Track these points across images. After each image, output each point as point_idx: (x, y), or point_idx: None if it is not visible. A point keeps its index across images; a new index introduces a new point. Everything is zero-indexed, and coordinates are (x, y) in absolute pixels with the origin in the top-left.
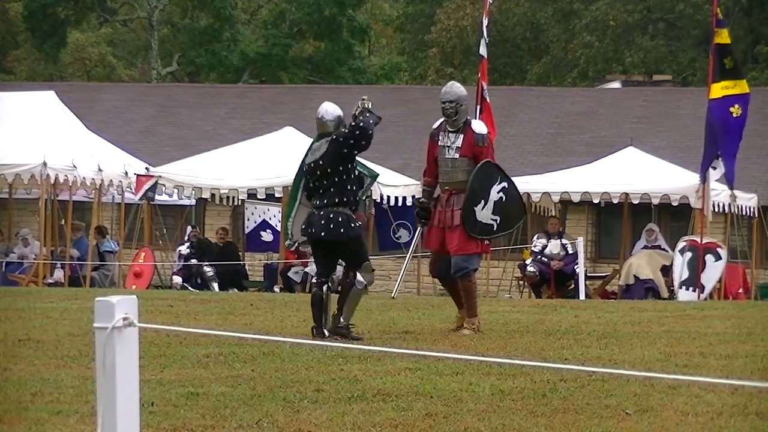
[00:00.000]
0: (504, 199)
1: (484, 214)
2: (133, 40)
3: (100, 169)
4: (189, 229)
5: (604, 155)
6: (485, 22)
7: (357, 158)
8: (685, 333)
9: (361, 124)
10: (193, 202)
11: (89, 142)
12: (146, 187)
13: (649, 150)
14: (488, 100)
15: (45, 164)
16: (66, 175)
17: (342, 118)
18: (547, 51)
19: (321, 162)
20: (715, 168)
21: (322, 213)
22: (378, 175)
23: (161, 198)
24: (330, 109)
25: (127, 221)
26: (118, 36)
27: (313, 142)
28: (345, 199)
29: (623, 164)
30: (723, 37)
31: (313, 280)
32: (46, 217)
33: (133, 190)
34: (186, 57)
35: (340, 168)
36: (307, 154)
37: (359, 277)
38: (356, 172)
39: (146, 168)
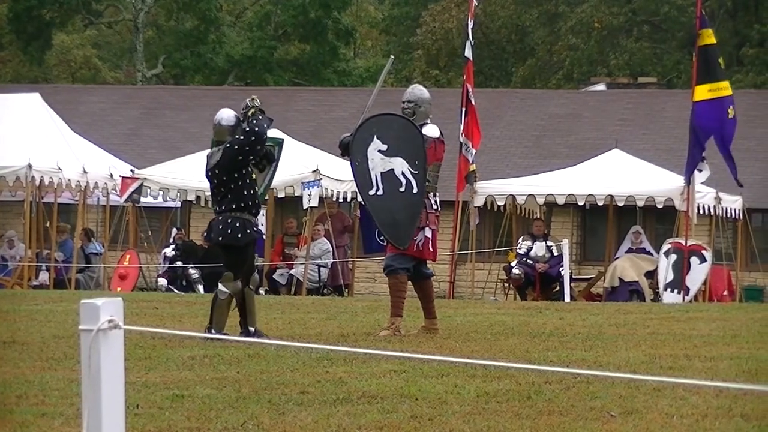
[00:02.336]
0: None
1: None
2: (118, 42)
3: (85, 172)
4: (174, 231)
5: (589, 157)
6: (470, 24)
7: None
8: (669, 335)
9: (256, 129)
10: (179, 204)
11: (74, 145)
12: (131, 189)
13: (634, 152)
14: (473, 102)
15: (30, 166)
16: (51, 178)
17: (239, 123)
18: (532, 53)
19: (216, 170)
20: (701, 171)
21: (220, 218)
22: (282, 140)
23: (146, 200)
24: (226, 116)
25: (112, 223)
26: (103, 38)
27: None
28: (243, 204)
29: (608, 166)
30: (710, 37)
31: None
32: (31, 219)
33: (118, 192)
34: (171, 59)
35: (236, 174)
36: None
37: (218, 288)
38: (251, 178)
39: (131, 170)
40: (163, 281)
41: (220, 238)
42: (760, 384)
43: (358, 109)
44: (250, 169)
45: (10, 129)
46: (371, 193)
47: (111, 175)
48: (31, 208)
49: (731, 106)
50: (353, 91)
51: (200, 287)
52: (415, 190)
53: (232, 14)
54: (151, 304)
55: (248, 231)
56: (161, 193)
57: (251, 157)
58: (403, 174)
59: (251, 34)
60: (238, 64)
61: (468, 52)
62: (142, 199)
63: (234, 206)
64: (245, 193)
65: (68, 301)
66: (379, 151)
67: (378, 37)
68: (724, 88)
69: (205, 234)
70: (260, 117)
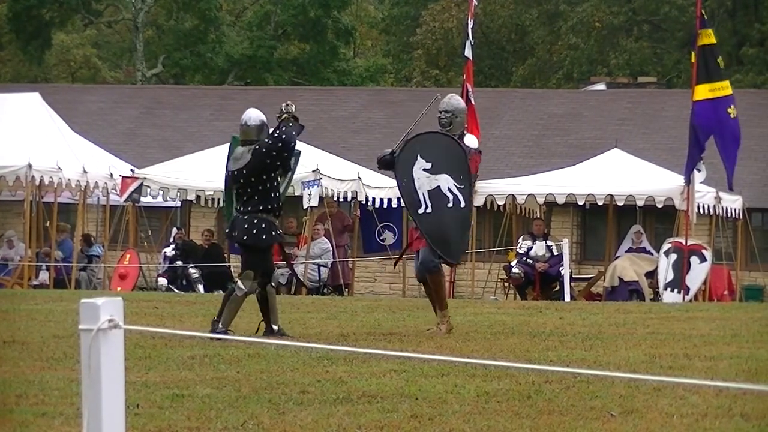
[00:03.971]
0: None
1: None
2: (118, 41)
3: (85, 171)
4: (174, 230)
5: (589, 157)
6: (470, 24)
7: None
8: (669, 335)
9: (284, 136)
10: (178, 203)
11: (74, 144)
12: (131, 188)
13: (634, 152)
14: (473, 102)
15: (30, 166)
16: (51, 177)
17: (265, 124)
18: (532, 53)
19: (244, 171)
20: (699, 170)
21: (245, 218)
22: (300, 152)
23: (146, 200)
24: (253, 116)
25: (112, 223)
26: (102, 38)
27: (231, 147)
28: (269, 206)
29: (608, 166)
30: (710, 37)
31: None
32: (31, 219)
33: (118, 192)
34: (171, 59)
35: (263, 176)
36: (229, 160)
37: (237, 284)
38: (278, 181)
39: (131, 170)
40: (163, 281)
41: (245, 238)
42: (759, 383)
43: (358, 108)
44: (277, 172)
45: (9, 129)
46: (420, 211)
47: (111, 175)
48: (31, 208)
49: (732, 106)
50: (353, 90)
51: (200, 287)
52: (462, 205)
53: (231, 14)
54: (151, 303)
55: (272, 233)
56: (161, 192)
57: (278, 162)
58: (449, 190)
59: (251, 33)
60: (237, 63)
61: (468, 52)
62: (142, 199)
63: (260, 207)
64: (271, 195)
65: (68, 301)
66: (424, 169)
67: (378, 36)
68: (724, 88)
69: (227, 231)
70: (291, 124)
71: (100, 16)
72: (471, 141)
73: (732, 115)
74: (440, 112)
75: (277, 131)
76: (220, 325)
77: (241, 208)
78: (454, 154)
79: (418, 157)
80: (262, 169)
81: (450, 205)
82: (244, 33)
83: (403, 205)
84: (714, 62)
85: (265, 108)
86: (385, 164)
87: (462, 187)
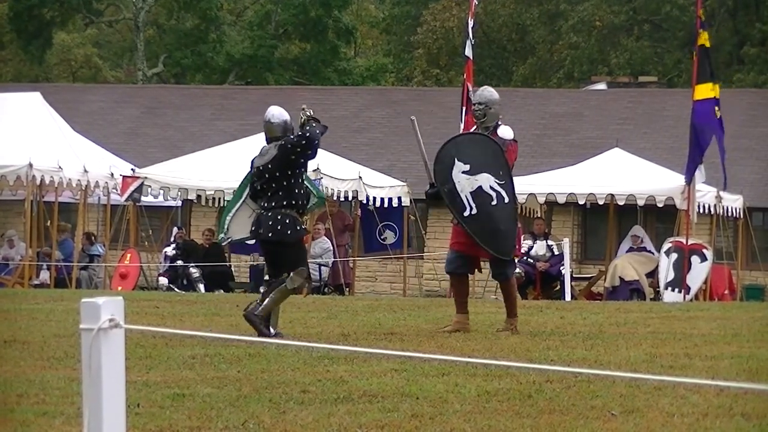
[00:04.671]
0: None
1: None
2: (119, 41)
3: (85, 171)
4: (175, 230)
5: (590, 156)
6: (471, 23)
7: (307, 175)
8: (670, 334)
9: (308, 134)
10: (179, 203)
11: (75, 144)
12: (132, 188)
13: (635, 151)
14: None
15: (31, 165)
16: (52, 177)
17: (289, 123)
18: (533, 52)
19: (270, 165)
20: (700, 171)
21: (269, 214)
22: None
23: (147, 199)
24: (276, 113)
25: (113, 222)
26: (103, 37)
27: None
28: (293, 202)
29: (609, 166)
30: (705, 39)
31: (266, 278)
32: (31, 218)
33: (119, 192)
34: (172, 58)
35: (288, 172)
36: (255, 157)
37: (291, 277)
38: (303, 179)
39: (132, 169)
40: (163, 280)
41: (270, 234)
42: (760, 383)
43: (358, 108)
44: (302, 170)
45: (10, 128)
46: (466, 214)
47: (112, 174)
48: (31, 208)
49: (716, 107)
50: (354, 90)
51: (201, 286)
52: (506, 200)
53: (232, 13)
54: (152, 303)
55: (297, 228)
56: (162, 192)
57: (302, 159)
58: (491, 188)
59: (252, 33)
60: (238, 63)
61: (468, 51)
62: (143, 198)
63: (285, 203)
64: (295, 191)
65: (69, 300)
66: (463, 172)
67: (379, 36)
68: (716, 89)
69: (252, 228)
70: (314, 125)
71: (101, 16)
72: (506, 132)
73: (717, 116)
74: (474, 104)
75: (301, 131)
76: (259, 310)
77: (265, 204)
78: (490, 150)
79: (455, 160)
80: (286, 165)
81: (494, 202)
82: (245, 32)
83: (405, 204)
84: (709, 63)
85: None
86: (434, 197)
87: (503, 182)
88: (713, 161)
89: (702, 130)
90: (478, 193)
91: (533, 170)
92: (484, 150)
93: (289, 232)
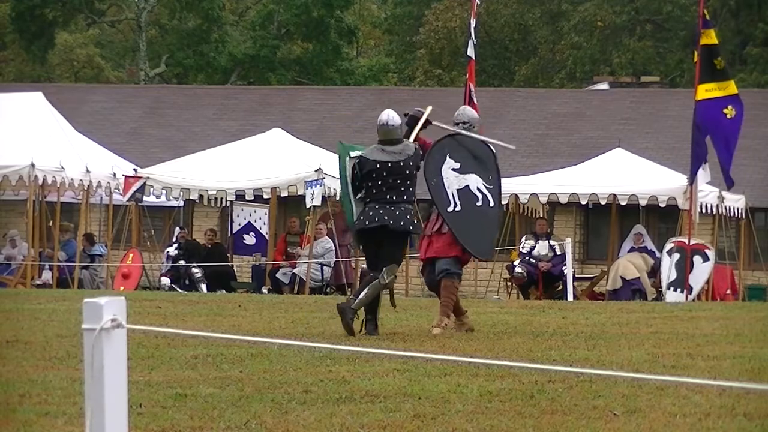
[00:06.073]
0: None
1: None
2: (121, 41)
3: (88, 171)
4: (177, 230)
5: (592, 156)
6: (473, 23)
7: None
8: (672, 334)
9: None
10: (181, 203)
11: (77, 144)
12: (134, 188)
13: (637, 151)
14: (476, 101)
15: (33, 165)
16: (54, 177)
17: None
18: (535, 52)
19: (410, 163)
20: (704, 170)
21: (403, 209)
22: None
23: (149, 199)
24: (393, 116)
25: (115, 223)
26: (105, 37)
27: (340, 152)
28: (412, 199)
29: (611, 165)
30: (711, 37)
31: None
32: (33, 218)
33: (121, 192)
34: (174, 58)
35: (415, 171)
36: (363, 155)
37: (385, 271)
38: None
39: (134, 169)
40: (166, 280)
41: (401, 224)
42: (763, 383)
43: (360, 108)
44: (418, 172)
45: (13, 128)
46: (449, 209)
47: (114, 175)
48: (34, 208)
49: (729, 105)
50: (356, 90)
51: (203, 286)
52: (491, 204)
53: (234, 13)
54: (154, 303)
55: (417, 222)
56: (164, 192)
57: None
58: (478, 189)
59: (254, 33)
60: (240, 63)
61: (471, 51)
62: (145, 198)
63: (405, 198)
64: (412, 190)
65: (71, 301)
66: (453, 169)
67: (381, 36)
68: (724, 88)
69: (377, 220)
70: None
71: (103, 16)
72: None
73: (729, 116)
74: (457, 123)
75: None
76: (355, 302)
77: (394, 198)
78: (484, 156)
79: (447, 157)
80: (417, 165)
81: (479, 203)
82: (247, 32)
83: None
84: (711, 63)
85: (270, 107)
86: (412, 120)
87: (491, 187)
88: (715, 161)
89: (704, 130)
90: (465, 192)
91: (535, 170)
92: (478, 153)
93: (412, 226)
